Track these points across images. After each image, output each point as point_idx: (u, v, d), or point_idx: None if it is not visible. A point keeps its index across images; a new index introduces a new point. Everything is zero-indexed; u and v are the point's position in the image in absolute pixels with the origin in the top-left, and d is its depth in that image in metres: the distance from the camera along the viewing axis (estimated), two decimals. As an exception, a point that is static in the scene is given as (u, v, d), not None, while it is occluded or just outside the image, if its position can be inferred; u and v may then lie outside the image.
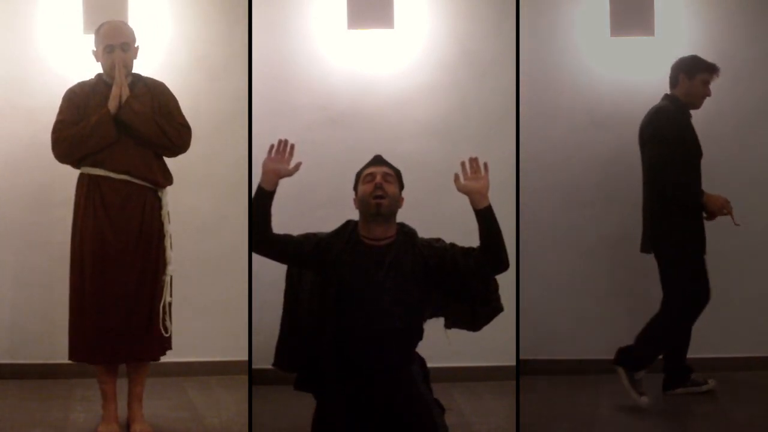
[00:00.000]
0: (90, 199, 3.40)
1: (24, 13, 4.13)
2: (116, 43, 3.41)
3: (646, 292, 4.20)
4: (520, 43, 3.83)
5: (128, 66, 3.45)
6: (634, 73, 4.19)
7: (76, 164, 3.46)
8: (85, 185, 3.42)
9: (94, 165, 3.40)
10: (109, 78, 3.44)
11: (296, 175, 4.25)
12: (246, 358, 4.00)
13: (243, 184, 4.06)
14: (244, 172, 4.04)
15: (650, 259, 4.03)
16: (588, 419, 3.58)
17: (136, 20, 4.12)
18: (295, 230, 4.26)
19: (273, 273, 4.25)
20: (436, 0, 4.22)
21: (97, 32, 3.47)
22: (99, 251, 3.37)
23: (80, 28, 4.08)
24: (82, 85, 3.50)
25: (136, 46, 3.49)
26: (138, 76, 3.52)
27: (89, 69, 3.87)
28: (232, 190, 4.29)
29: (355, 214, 4.25)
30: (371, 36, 4.20)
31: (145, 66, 4.09)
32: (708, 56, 4.03)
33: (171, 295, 3.49)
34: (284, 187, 4.25)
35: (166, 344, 3.50)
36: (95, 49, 3.47)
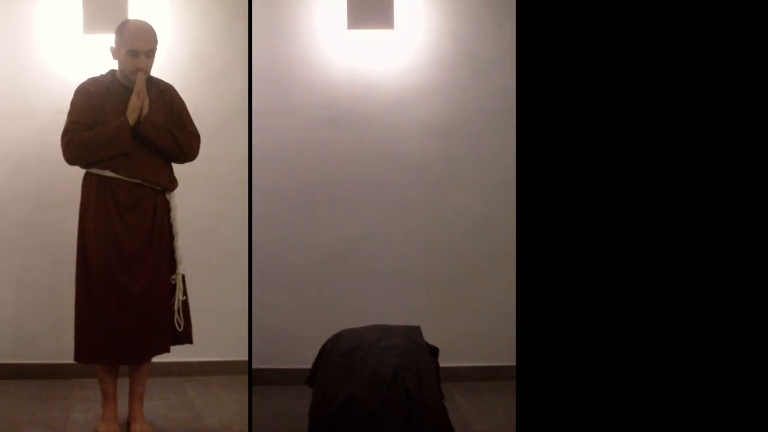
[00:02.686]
0: (102, 200, 3.37)
1: (24, 13, 4.13)
2: (143, 49, 3.35)
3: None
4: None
5: (149, 73, 3.41)
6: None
7: (84, 166, 3.43)
8: (94, 185, 3.39)
9: (105, 168, 3.37)
10: (125, 80, 3.39)
11: (296, 175, 4.29)
12: (246, 358, 4.01)
13: (243, 184, 4.07)
14: (245, 172, 4.05)
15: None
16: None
17: (136, 20, 4.13)
18: (295, 230, 4.28)
19: (273, 273, 4.28)
20: (435, 0, 4.23)
21: (120, 30, 3.39)
22: (111, 252, 3.35)
23: (80, 29, 4.08)
24: (95, 83, 3.43)
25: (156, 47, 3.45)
26: (150, 79, 3.48)
27: (89, 69, 3.88)
28: (232, 190, 4.29)
29: (354, 214, 4.27)
30: (371, 36, 4.21)
31: (145, 66, 4.11)
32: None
33: (185, 293, 3.50)
34: (284, 186, 4.28)
35: (181, 338, 3.51)
36: (114, 47, 3.40)
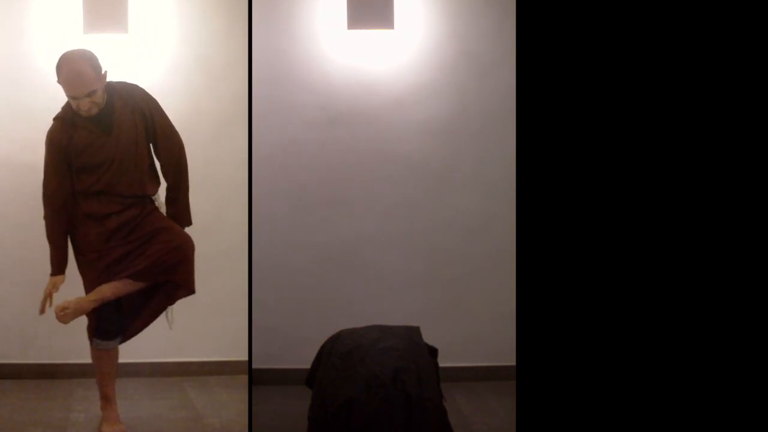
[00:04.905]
0: (89, 212, 3.41)
1: (24, 13, 4.13)
2: (79, 96, 3.29)
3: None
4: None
5: (99, 103, 3.34)
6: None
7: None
8: (81, 199, 3.42)
9: (88, 191, 3.40)
10: (83, 112, 3.33)
11: (296, 175, 4.28)
12: (246, 358, 4.01)
13: (243, 184, 4.07)
14: (244, 172, 4.05)
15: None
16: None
17: (136, 20, 4.12)
18: (295, 230, 4.28)
19: (273, 273, 4.27)
20: (435, 0, 4.23)
21: (58, 71, 3.31)
22: (104, 258, 3.39)
23: (80, 29, 4.08)
24: (59, 125, 3.38)
25: (104, 72, 3.36)
26: (110, 88, 3.41)
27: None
28: (232, 190, 4.29)
29: (354, 214, 4.27)
30: (371, 36, 4.20)
31: (146, 67, 4.10)
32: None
33: None
34: (284, 186, 4.28)
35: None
36: (60, 81, 3.32)
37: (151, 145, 3.49)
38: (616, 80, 4.03)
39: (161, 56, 4.18)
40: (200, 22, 4.25)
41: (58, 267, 3.45)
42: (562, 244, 4.30)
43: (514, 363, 3.55)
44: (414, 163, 4.28)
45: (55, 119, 3.42)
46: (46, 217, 3.43)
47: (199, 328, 4.25)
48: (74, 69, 3.28)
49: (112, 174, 3.37)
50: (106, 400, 3.51)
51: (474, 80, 4.25)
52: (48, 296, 3.47)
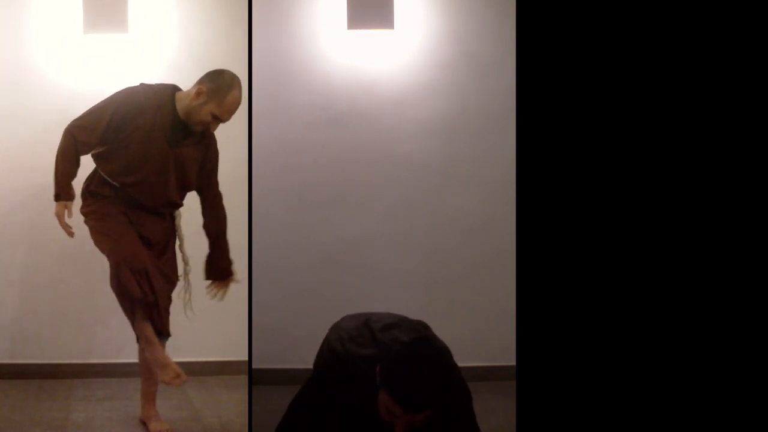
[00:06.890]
0: (118, 214, 3.37)
1: (23, 13, 4.12)
2: (226, 120, 3.31)
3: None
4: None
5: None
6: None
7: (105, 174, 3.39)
8: (114, 204, 3.37)
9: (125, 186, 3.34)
10: (184, 115, 3.29)
11: (296, 175, 4.28)
12: (246, 358, 4.01)
13: (243, 183, 4.06)
14: (245, 172, 4.04)
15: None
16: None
17: (136, 20, 4.12)
18: (295, 230, 4.28)
19: (273, 273, 4.27)
20: (435, 0, 4.23)
21: (220, 88, 3.25)
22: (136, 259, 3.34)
23: (80, 29, 4.07)
24: (129, 101, 3.27)
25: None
26: None
27: (89, 69, 3.87)
28: (232, 190, 4.27)
29: (354, 214, 4.27)
30: (371, 36, 4.20)
31: (146, 67, 4.10)
32: None
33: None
34: (284, 186, 4.28)
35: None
36: (204, 91, 3.25)
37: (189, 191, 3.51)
38: (616, 80, 4.05)
39: (161, 56, 4.18)
40: (200, 22, 4.25)
41: (61, 190, 3.30)
42: (562, 244, 4.29)
43: (514, 363, 3.56)
44: (414, 163, 4.28)
45: (142, 90, 3.32)
46: (66, 138, 3.28)
47: (199, 328, 4.24)
48: (238, 98, 3.29)
49: (138, 185, 3.34)
50: (153, 399, 3.55)
51: (474, 80, 4.25)
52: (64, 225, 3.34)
